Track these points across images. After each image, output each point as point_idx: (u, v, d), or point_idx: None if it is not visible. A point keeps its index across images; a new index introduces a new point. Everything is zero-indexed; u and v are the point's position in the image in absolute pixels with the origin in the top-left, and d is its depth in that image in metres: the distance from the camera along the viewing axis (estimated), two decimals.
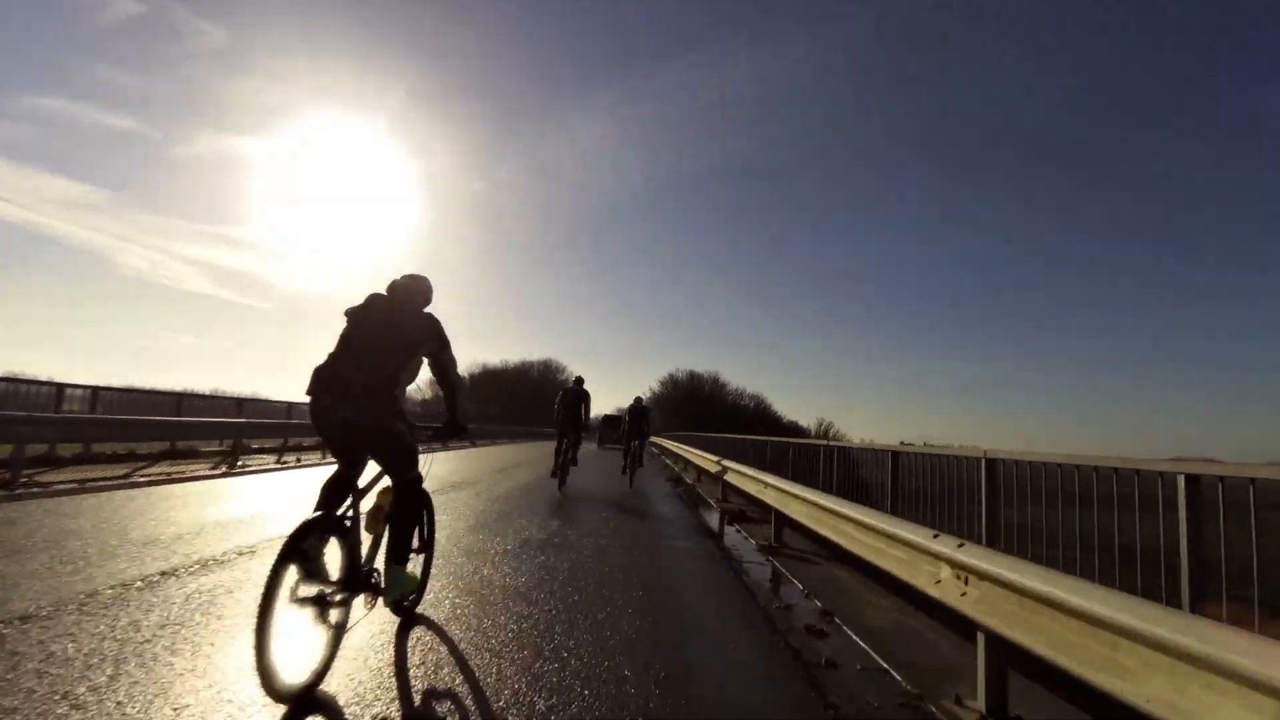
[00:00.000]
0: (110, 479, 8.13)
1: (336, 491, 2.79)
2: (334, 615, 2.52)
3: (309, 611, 2.39)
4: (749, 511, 9.00)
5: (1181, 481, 2.55)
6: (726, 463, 11.87)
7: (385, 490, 3.06)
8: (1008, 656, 2.56)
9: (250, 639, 2.14)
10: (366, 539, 2.89)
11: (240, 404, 13.95)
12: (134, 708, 2.16)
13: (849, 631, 3.85)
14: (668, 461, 23.20)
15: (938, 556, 2.93)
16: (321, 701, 2.33)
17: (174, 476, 8.72)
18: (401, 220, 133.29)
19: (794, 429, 74.54)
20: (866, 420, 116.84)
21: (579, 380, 10.88)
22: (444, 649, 2.94)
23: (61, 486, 7.24)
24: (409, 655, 2.83)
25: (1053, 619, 2.15)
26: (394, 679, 2.56)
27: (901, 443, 8.39)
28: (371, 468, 2.96)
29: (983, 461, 4.72)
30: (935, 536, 3.04)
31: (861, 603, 4.60)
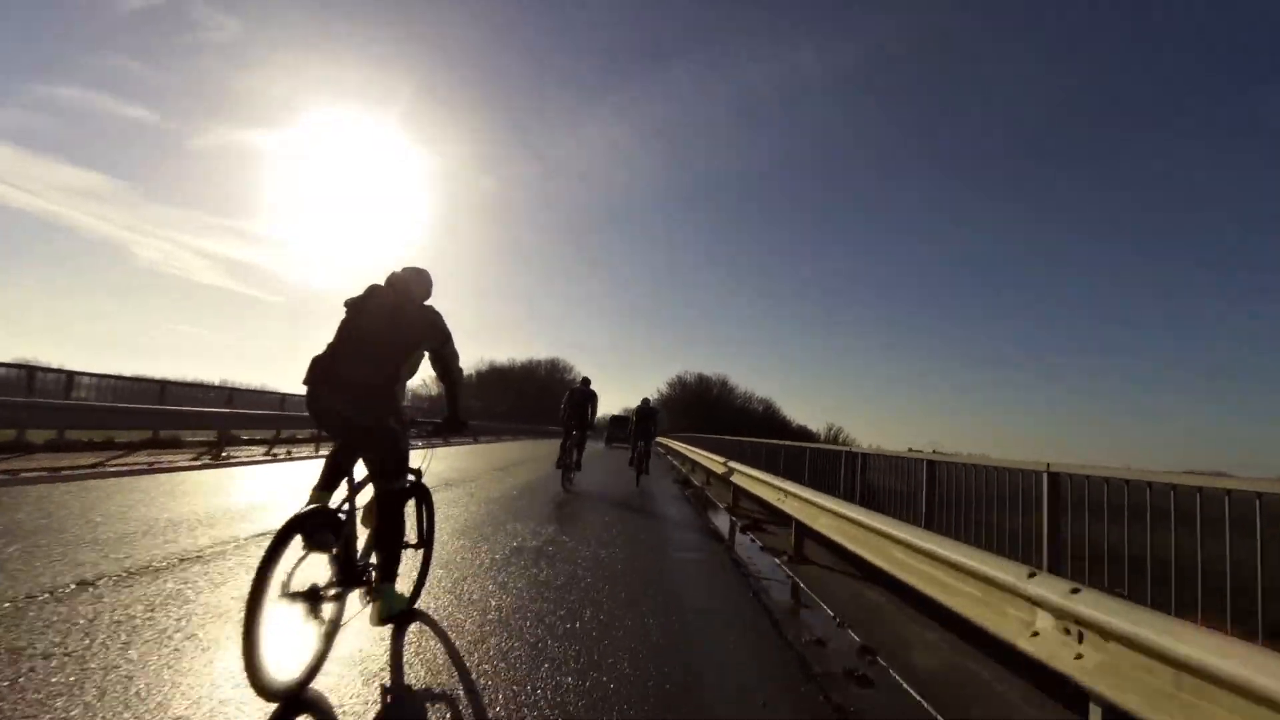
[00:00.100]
0: (77, 468, 7.58)
1: (338, 469, 2.77)
2: (327, 611, 2.42)
3: (301, 607, 2.28)
4: (758, 514, 8.33)
5: None
6: (733, 464, 11.62)
7: (375, 496, 2.92)
8: None
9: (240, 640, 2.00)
10: (363, 533, 2.81)
11: (231, 394, 13.44)
12: None
13: (897, 677, 3.17)
14: (675, 463, 22.52)
15: (1035, 602, 2.26)
16: (313, 701, 2.22)
17: (151, 466, 8.15)
18: (411, 215, 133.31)
19: (803, 433, 73.63)
20: (871, 425, 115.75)
21: (586, 381, 10.79)
22: (441, 648, 2.83)
23: (28, 475, 6.72)
24: (405, 651, 2.73)
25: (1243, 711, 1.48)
26: (390, 677, 2.46)
27: (934, 450, 7.72)
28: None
29: (1044, 476, 4.08)
30: (1031, 575, 2.36)
31: (906, 635, 3.92)
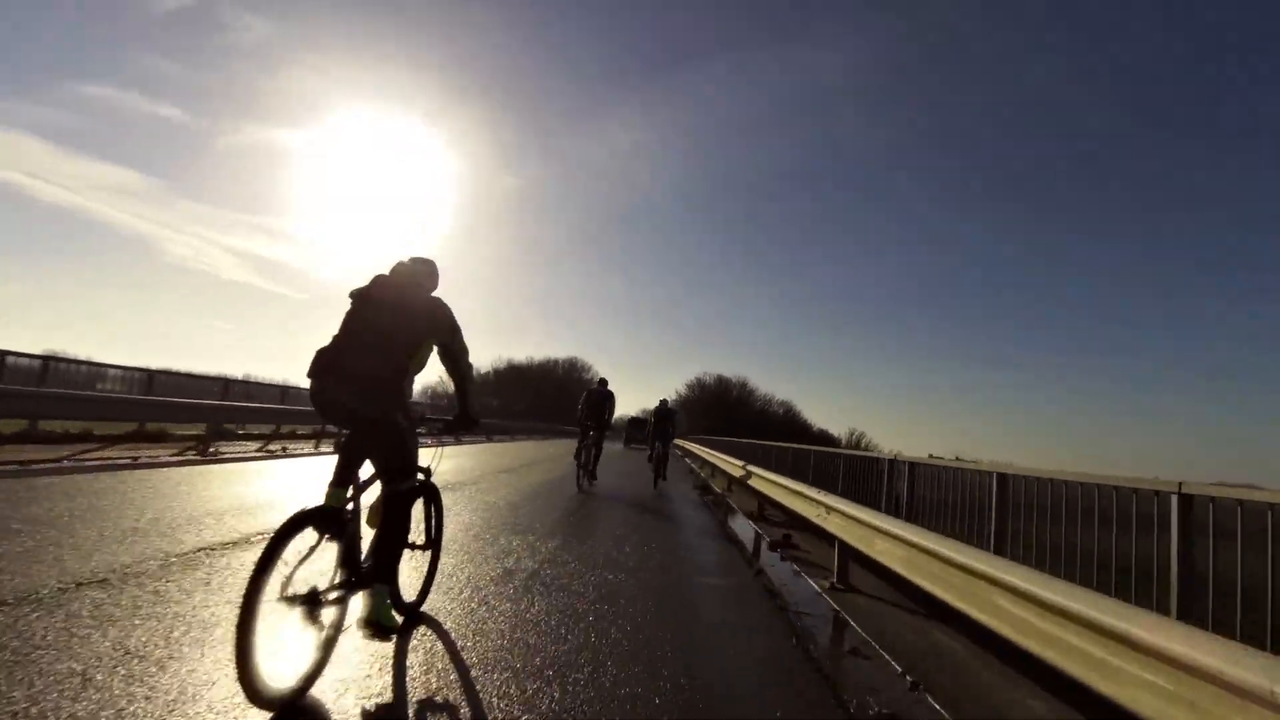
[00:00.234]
0: (41, 461, 6.91)
1: (350, 463, 2.64)
2: (328, 615, 2.30)
3: (299, 611, 2.17)
4: (781, 521, 7.37)
5: None
6: (752, 468, 10.95)
7: (382, 495, 2.80)
8: None
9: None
10: (368, 534, 2.69)
11: (226, 385, 12.82)
12: None
13: None
14: (693, 466, 21.57)
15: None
16: (310, 710, 2.11)
17: (124, 462, 7.47)
18: (434, 213, 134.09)
19: (825, 438, 72.04)
20: (889, 429, 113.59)
21: (603, 381, 10.75)
22: (446, 653, 2.69)
23: None
24: (409, 658, 2.60)
25: None
26: (391, 687, 2.32)
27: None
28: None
29: (1174, 498, 3.18)
30: None
31: (1002, 705, 2.99)
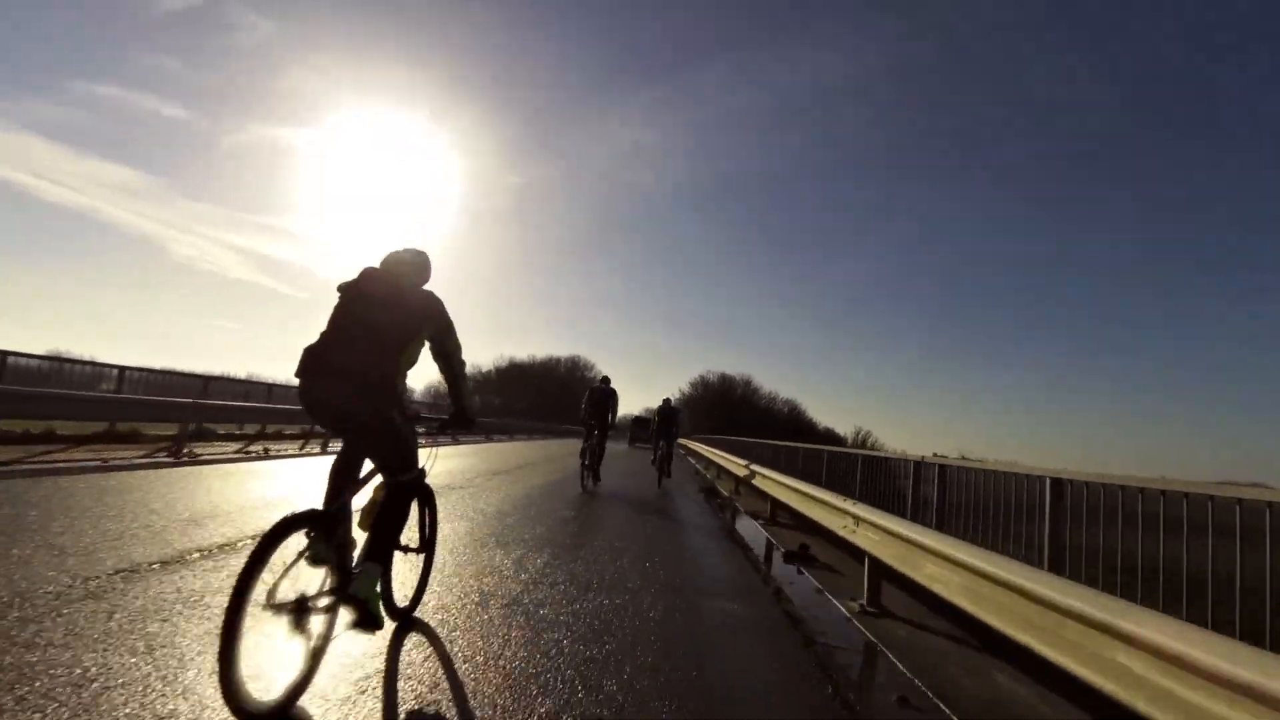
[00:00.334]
0: None
1: (344, 476, 2.60)
2: (316, 623, 2.18)
3: (287, 619, 2.06)
4: (791, 524, 6.71)
5: None
6: (755, 467, 10.65)
7: (383, 485, 2.69)
8: None
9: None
10: (360, 538, 2.57)
11: (206, 383, 12.19)
12: None
13: None
14: (698, 467, 20.90)
15: None
16: None
17: (91, 464, 6.85)
18: (437, 212, 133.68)
19: (830, 436, 71.24)
20: (890, 428, 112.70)
21: (606, 380, 10.58)
22: (439, 663, 2.54)
23: None
24: (401, 669, 2.45)
25: None
26: (381, 699, 2.20)
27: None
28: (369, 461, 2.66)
29: (1268, 511, 2.58)
30: None
31: None
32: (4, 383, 8.76)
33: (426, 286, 2.90)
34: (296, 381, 2.46)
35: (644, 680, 2.64)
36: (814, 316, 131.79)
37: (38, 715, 1.87)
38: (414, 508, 2.90)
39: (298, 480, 7.54)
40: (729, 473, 14.04)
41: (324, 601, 2.23)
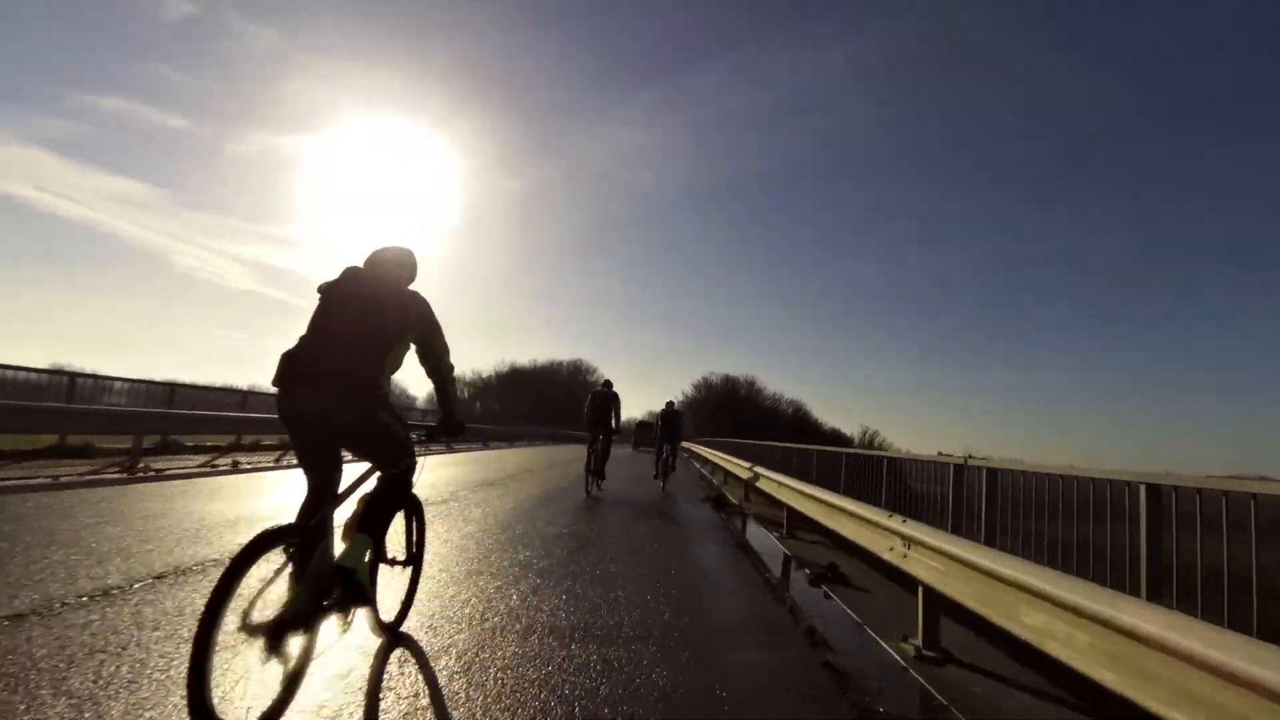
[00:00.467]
0: None
1: (324, 488, 2.36)
2: (295, 644, 2.04)
3: (262, 640, 1.92)
4: (804, 531, 5.83)
5: None
6: (759, 469, 10.30)
7: (366, 497, 2.56)
8: None
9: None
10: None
11: (173, 390, 11.35)
12: None
13: None
14: (703, 471, 19.99)
15: None
16: None
17: (27, 484, 6.01)
18: (440, 218, 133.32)
19: (836, 437, 70.16)
20: (895, 428, 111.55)
21: (608, 383, 10.50)
22: (424, 683, 2.36)
23: None
24: (384, 692, 2.27)
25: None
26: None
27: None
28: (349, 473, 2.49)
29: None
30: None
31: None
32: None
33: (413, 286, 2.77)
34: (274, 390, 2.31)
35: None
36: (815, 316, 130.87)
37: None
38: (400, 521, 2.81)
39: (251, 500, 6.69)
40: (735, 477, 13.26)
41: (304, 621, 2.06)
